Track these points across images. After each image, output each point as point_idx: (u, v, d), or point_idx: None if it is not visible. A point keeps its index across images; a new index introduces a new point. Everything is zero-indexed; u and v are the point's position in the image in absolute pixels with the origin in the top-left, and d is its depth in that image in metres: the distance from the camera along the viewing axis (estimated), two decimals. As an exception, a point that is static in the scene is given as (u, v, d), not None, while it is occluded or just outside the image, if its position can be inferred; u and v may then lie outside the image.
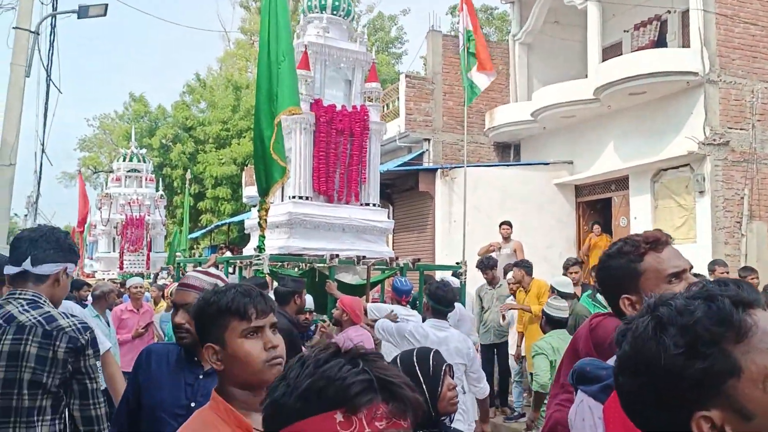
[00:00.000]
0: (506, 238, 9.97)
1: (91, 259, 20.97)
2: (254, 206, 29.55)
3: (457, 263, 8.56)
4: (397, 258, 7.82)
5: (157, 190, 22.31)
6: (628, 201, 12.61)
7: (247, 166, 27.53)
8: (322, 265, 6.86)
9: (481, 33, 10.05)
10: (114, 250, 19.76)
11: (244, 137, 29.05)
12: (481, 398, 4.62)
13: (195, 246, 29.22)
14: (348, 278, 7.29)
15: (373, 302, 6.86)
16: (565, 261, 7.92)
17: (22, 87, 8.85)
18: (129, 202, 20.07)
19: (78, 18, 9.66)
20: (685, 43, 12.20)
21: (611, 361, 1.65)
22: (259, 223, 6.16)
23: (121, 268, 18.22)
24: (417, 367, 2.20)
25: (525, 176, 13.83)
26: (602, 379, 1.51)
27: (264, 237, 6.18)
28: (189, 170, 23.59)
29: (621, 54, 13.17)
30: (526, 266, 7.60)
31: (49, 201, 39.83)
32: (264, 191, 6.00)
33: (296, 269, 7.00)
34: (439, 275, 8.79)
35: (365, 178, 7.98)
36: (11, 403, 2.04)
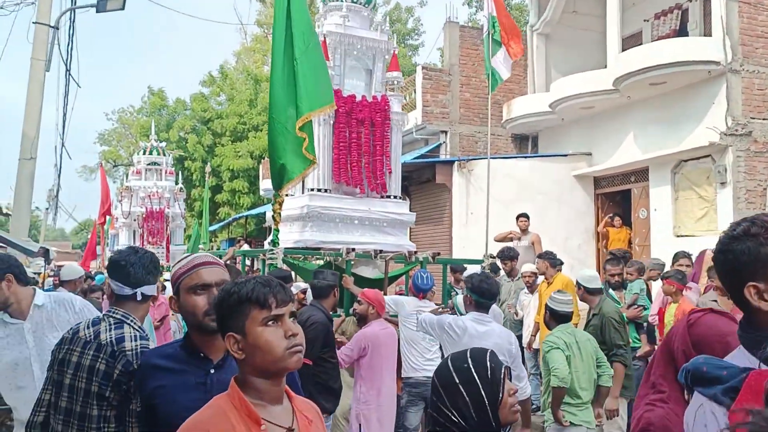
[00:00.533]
0: (524, 231, 9.91)
1: (112, 251, 21.59)
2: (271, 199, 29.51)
3: (491, 256, 8.57)
4: (416, 252, 7.59)
5: (177, 183, 22.46)
6: (648, 192, 12.47)
7: (264, 159, 27.65)
8: (338, 258, 6.72)
9: (509, 16, 9.93)
10: (134, 243, 19.84)
11: (261, 131, 29.13)
12: (522, 399, 4.27)
13: (213, 239, 29.38)
14: (367, 272, 7.16)
15: (396, 295, 6.81)
16: (675, 254, 7.24)
17: (42, 81, 8.93)
18: (149, 195, 20.23)
19: (96, 12, 9.72)
20: (707, 32, 12.01)
21: (733, 359, 1.50)
22: (273, 216, 6.07)
23: None
24: (473, 371, 1.91)
25: (543, 168, 13.73)
26: (723, 380, 1.39)
27: (278, 230, 6.08)
28: (208, 163, 23.69)
29: (641, 44, 13.00)
30: (550, 258, 7.51)
31: (70, 194, 40.36)
32: (278, 185, 5.90)
33: (315, 262, 6.88)
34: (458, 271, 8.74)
35: (389, 170, 7.81)
36: (86, 410, 2.34)
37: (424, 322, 4.62)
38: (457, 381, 1.89)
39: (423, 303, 5.83)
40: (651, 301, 6.98)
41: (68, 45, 9.65)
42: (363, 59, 7.95)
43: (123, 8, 9.70)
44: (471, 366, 1.93)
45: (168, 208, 20.69)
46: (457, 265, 8.66)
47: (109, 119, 40.32)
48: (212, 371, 2.06)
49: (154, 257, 2.63)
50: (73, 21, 9.85)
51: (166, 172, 22.01)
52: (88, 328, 2.44)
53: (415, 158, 14.78)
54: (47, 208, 19.40)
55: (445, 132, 15.93)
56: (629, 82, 11.70)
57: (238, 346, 1.67)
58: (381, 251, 7.15)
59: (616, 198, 13.85)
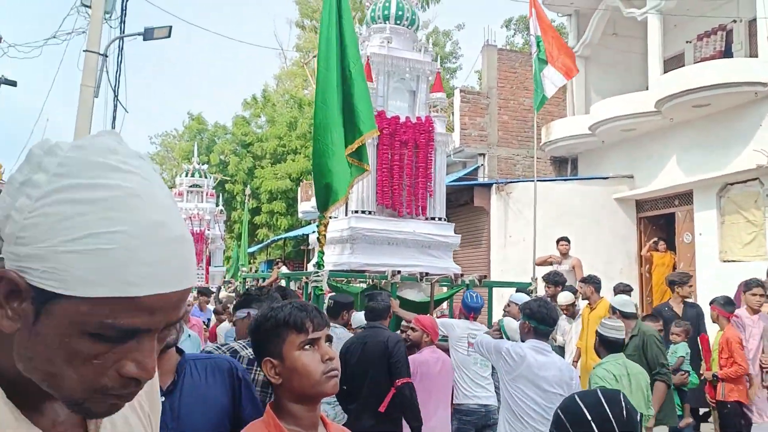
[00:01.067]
0: (564, 255, 9.77)
1: None
2: (311, 221, 29.81)
3: (534, 279, 8.49)
4: (462, 274, 7.46)
5: (217, 205, 22.66)
6: (693, 216, 12.20)
7: (302, 181, 27.95)
8: (383, 281, 6.60)
9: (557, 34, 9.82)
10: None
11: (299, 153, 29.46)
12: None
13: (251, 260, 29.72)
14: (412, 295, 7.04)
15: (440, 318, 6.62)
16: (747, 282, 6.58)
17: (91, 107, 9.20)
18: (190, 217, 20.56)
19: (144, 40, 10.02)
20: (753, 53, 11.79)
21: None
22: (318, 238, 6.00)
23: None
24: (608, 409, 1.83)
25: (583, 191, 13.56)
26: None
27: (323, 253, 5.98)
28: (248, 185, 23.96)
29: (683, 65, 12.82)
30: (595, 282, 7.36)
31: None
32: (324, 206, 5.82)
33: (357, 285, 6.83)
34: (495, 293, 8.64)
35: (431, 192, 7.71)
36: None
37: (481, 345, 4.39)
38: (590, 418, 1.82)
39: (474, 326, 5.69)
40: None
41: (116, 72, 9.96)
42: (406, 80, 7.91)
43: (169, 36, 9.98)
44: (605, 404, 1.85)
45: (208, 229, 20.94)
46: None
47: (152, 143, 41.38)
48: (162, 399, 1.79)
49: None
50: (122, 49, 10.17)
51: (207, 194, 22.30)
52: (244, 348, 2.80)
53: (452, 181, 14.75)
54: None
55: (483, 155, 15.89)
56: (672, 104, 11.53)
57: (275, 371, 1.68)
58: (427, 273, 7.01)
59: (660, 222, 13.57)
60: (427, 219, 7.65)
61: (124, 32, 10.03)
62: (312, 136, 5.70)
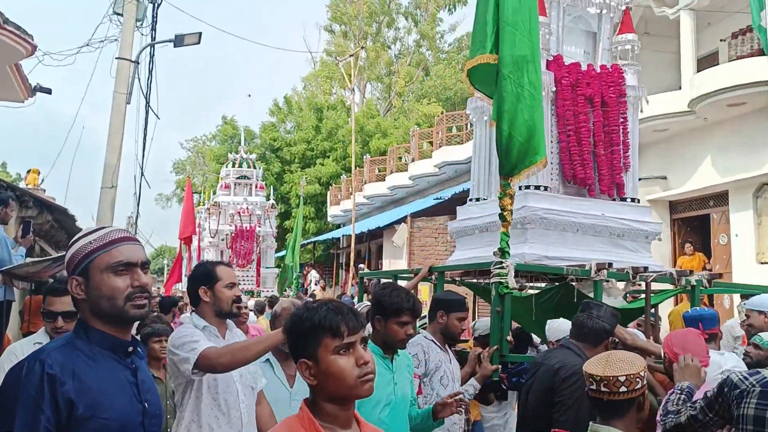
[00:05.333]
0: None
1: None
2: (341, 225, 29.19)
3: None
4: (690, 272, 5.38)
5: (268, 199, 20.31)
6: (728, 218, 11.94)
7: (331, 185, 28.10)
8: (579, 279, 4.72)
9: None
10: None
11: (328, 157, 29.61)
12: None
13: (280, 264, 29.96)
14: (608, 301, 4.78)
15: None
16: None
17: (124, 113, 9.36)
18: (239, 212, 18.37)
19: (174, 47, 10.17)
20: (790, 50, 11.50)
21: None
22: (501, 214, 4.30)
23: None
24: None
25: (615, 193, 13.33)
26: None
27: (507, 235, 4.30)
28: (303, 178, 22.17)
29: (717, 64, 12.57)
30: None
31: (147, 221, 41.98)
32: (510, 170, 4.27)
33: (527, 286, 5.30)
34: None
35: (629, 165, 6.00)
36: None
37: None
38: None
39: (719, 355, 3.63)
40: None
41: (148, 78, 10.11)
42: (584, 18, 6.16)
43: (199, 42, 10.11)
44: None
45: (259, 226, 18.60)
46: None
47: (183, 148, 41.96)
48: (134, 366, 1.83)
49: None
50: (153, 55, 10.33)
51: (256, 187, 19.78)
52: None
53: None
54: None
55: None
56: (706, 103, 11.32)
57: (310, 371, 1.67)
58: (645, 268, 5.13)
59: (694, 223, 13.32)
60: (615, 199, 5.95)
61: (155, 39, 10.19)
62: (500, 74, 4.17)
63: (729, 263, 11.84)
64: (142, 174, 11.66)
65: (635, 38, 6.17)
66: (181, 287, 15.72)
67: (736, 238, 11.68)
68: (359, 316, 1.74)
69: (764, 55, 11.89)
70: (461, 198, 18.25)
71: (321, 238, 27.34)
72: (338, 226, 27.98)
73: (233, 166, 19.94)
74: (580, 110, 5.75)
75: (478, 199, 6.17)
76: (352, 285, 18.25)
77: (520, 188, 5.34)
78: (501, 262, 4.24)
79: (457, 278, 5.94)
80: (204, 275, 3.01)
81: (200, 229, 19.85)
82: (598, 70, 5.96)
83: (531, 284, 5.37)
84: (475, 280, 5.88)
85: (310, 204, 28.47)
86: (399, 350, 3.17)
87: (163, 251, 54.37)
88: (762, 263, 11.09)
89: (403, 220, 18.69)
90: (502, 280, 4.20)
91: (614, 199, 5.92)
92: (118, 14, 9.57)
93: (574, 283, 4.63)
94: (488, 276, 4.51)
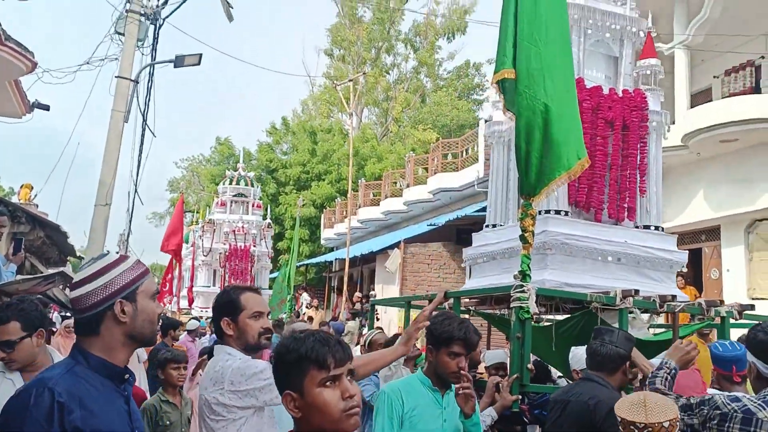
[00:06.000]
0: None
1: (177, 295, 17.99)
2: (334, 248, 28.68)
3: None
4: (721, 302, 5.10)
5: (265, 218, 19.71)
6: (720, 252, 12.00)
7: (326, 208, 28.13)
8: (602, 308, 4.38)
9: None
10: (214, 284, 17.28)
11: (323, 180, 29.68)
12: None
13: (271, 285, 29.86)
14: (632, 332, 4.29)
15: None
16: None
17: (121, 131, 9.38)
18: (234, 230, 17.87)
19: (174, 67, 10.20)
20: (782, 89, 11.68)
21: None
22: (522, 236, 4.09)
23: None
24: None
25: (608, 224, 13.39)
26: None
27: (528, 258, 4.07)
28: (300, 198, 20.99)
29: (710, 100, 12.74)
30: None
31: (138, 239, 41.81)
32: (531, 189, 4.05)
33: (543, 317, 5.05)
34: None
35: (643, 190, 5.92)
36: None
37: None
38: None
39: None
40: None
41: (146, 97, 10.14)
42: (605, 42, 6.08)
43: (199, 64, 10.16)
44: None
45: (254, 245, 18.11)
46: None
47: (179, 167, 41.98)
48: (127, 394, 1.88)
49: None
50: (152, 75, 10.37)
51: (253, 205, 19.26)
52: None
53: (476, 211, 14.71)
54: (117, 252, 19.77)
55: (507, 186, 15.82)
56: (699, 138, 11.44)
57: (294, 404, 1.64)
58: (674, 296, 4.93)
59: (686, 257, 13.36)
60: (638, 227, 5.86)
61: (155, 59, 10.24)
62: (517, 89, 4.07)
63: (720, 298, 11.86)
64: (136, 191, 11.64)
65: (658, 63, 6.09)
66: (171, 308, 15.35)
67: (727, 272, 11.73)
68: (347, 348, 1.71)
69: (757, 92, 12.06)
70: (455, 225, 18.30)
71: (314, 260, 27.27)
72: (331, 249, 27.92)
73: (230, 184, 19.52)
74: (599, 134, 5.68)
75: (494, 225, 6.03)
76: (344, 309, 18.13)
77: (540, 212, 5.20)
78: (522, 286, 3.98)
79: (471, 307, 5.73)
80: (226, 305, 2.67)
81: (194, 247, 19.45)
82: (620, 94, 5.89)
83: (548, 316, 5.07)
84: (490, 311, 5.64)
85: (304, 226, 28.47)
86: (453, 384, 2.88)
87: (153, 270, 54.16)
88: (753, 298, 11.11)
89: (396, 245, 18.68)
90: (522, 305, 3.94)
91: (637, 227, 5.78)
92: (120, 34, 9.63)
93: (597, 312, 4.33)
94: (504, 305, 4.31)
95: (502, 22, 4.29)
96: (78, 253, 16.36)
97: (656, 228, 5.93)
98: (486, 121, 16.83)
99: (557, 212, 5.37)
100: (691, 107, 12.32)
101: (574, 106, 4.20)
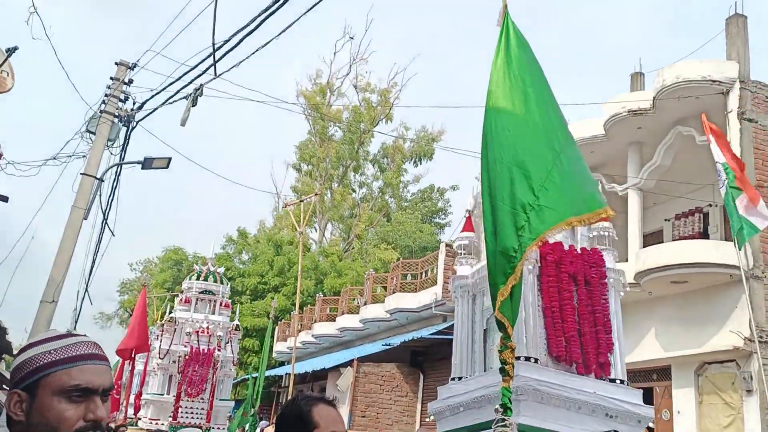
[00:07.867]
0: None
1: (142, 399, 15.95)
2: (285, 362, 27.63)
3: None
4: None
5: (232, 320, 18.04)
6: (671, 393, 12.01)
7: (281, 321, 27.60)
8: None
9: (738, 158, 8.79)
10: (169, 392, 15.46)
11: (279, 292, 29.37)
12: None
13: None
14: None
15: None
16: None
17: (78, 229, 9.24)
18: (197, 331, 16.17)
19: (142, 168, 10.18)
20: (728, 237, 12.21)
21: None
22: (503, 369, 3.98)
23: (174, 417, 14.21)
24: None
25: (562, 357, 13.39)
26: None
27: (509, 391, 3.96)
28: (274, 299, 19.86)
29: (662, 242, 13.23)
30: None
31: (82, 340, 40.06)
32: (493, 288, 3.94)
33: None
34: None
35: (610, 345, 5.96)
36: None
37: None
38: None
39: None
40: None
41: (110, 196, 10.07)
42: None
43: (167, 167, 10.20)
44: None
45: (219, 349, 16.41)
46: None
47: (133, 270, 41.12)
48: None
49: None
50: (118, 175, 10.37)
51: (221, 304, 17.68)
52: None
53: (432, 334, 14.60)
54: (67, 330, 18.66)
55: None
56: (650, 278, 11.75)
57: None
58: None
59: (653, 412, 13.32)
60: (603, 379, 5.89)
61: (123, 159, 10.28)
62: (486, 199, 4.08)
63: (671, 440, 11.74)
64: (87, 290, 11.30)
65: (610, 226, 6.44)
66: (117, 415, 14.07)
67: (678, 415, 11.68)
68: None
69: (705, 238, 12.59)
70: (410, 346, 18.11)
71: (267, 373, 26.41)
72: (282, 363, 27.12)
73: (197, 279, 17.81)
74: (564, 287, 5.82)
75: (460, 378, 6.07)
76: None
77: (522, 358, 5.34)
78: (503, 420, 3.78)
79: None
80: (296, 419, 2.02)
81: (148, 349, 16.85)
82: (579, 251, 6.15)
83: None
84: None
85: (255, 337, 27.77)
86: None
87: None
88: (703, 443, 11.03)
89: (349, 363, 18.28)
90: None
91: (602, 379, 5.80)
92: (91, 132, 9.71)
93: None
94: None
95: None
96: (15, 351, 15.53)
97: (621, 381, 5.95)
98: (447, 245, 17.13)
99: (527, 359, 5.42)
100: (644, 247, 12.74)
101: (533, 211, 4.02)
